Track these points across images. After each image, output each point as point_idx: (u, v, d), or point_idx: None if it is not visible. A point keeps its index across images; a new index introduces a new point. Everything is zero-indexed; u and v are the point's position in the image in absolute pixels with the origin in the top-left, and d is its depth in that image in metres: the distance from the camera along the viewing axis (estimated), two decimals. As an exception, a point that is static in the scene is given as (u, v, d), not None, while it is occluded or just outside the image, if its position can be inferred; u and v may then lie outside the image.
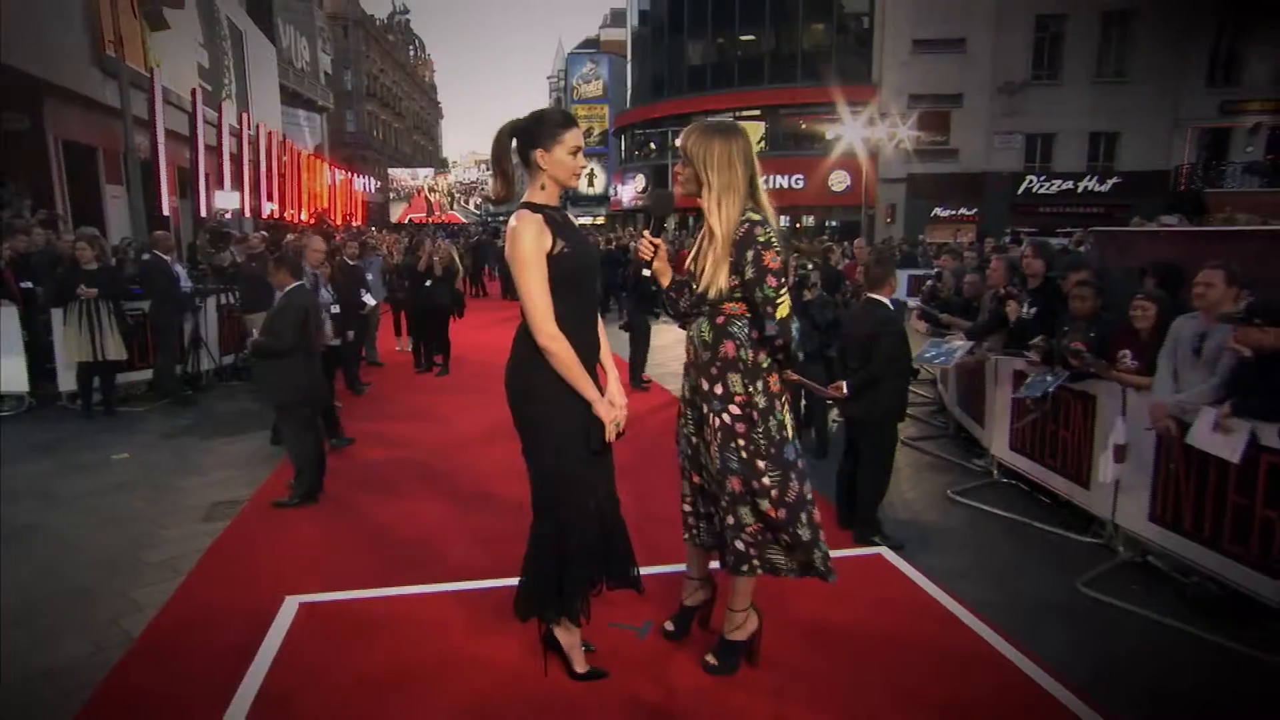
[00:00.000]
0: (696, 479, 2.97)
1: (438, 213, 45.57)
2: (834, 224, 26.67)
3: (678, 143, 2.75)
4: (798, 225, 27.86)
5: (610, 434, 2.57)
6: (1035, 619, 3.60)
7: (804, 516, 2.76)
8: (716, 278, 2.64)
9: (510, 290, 17.07)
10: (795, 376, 3.92)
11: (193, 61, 16.67)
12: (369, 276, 9.34)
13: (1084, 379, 4.49)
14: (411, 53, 66.45)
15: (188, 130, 11.92)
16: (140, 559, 4.21)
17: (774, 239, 2.63)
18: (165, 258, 7.65)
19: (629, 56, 37.30)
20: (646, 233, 2.76)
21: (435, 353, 9.48)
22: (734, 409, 2.72)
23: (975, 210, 25.34)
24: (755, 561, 2.81)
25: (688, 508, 3.04)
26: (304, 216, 19.34)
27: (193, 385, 8.15)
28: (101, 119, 12.22)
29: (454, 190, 48.11)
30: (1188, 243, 6.43)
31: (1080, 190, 24.73)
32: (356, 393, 8.17)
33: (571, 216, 2.71)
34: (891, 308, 4.42)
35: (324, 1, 45.32)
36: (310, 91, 37.59)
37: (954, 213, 25.82)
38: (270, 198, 14.50)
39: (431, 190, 47.21)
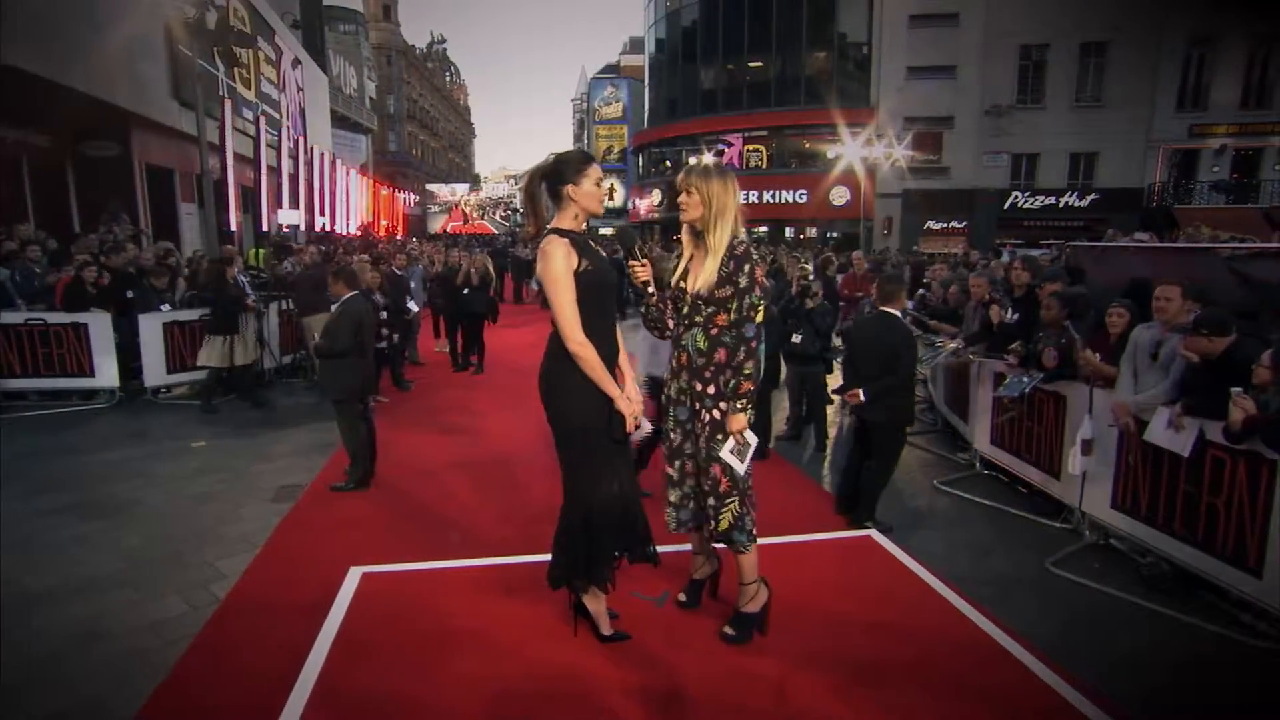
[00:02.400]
0: (674, 467, 3.16)
1: (472, 223, 46.01)
2: (834, 235, 26.68)
3: (679, 179, 2.98)
4: (800, 236, 27.90)
5: (630, 425, 2.79)
6: (1007, 593, 3.75)
7: (749, 495, 3.08)
8: (708, 276, 2.89)
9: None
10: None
11: (254, 89, 17.05)
12: (412, 284, 9.58)
13: (1056, 380, 4.62)
14: (448, 78, 66.98)
15: (251, 153, 12.26)
16: (222, 533, 4.45)
17: (758, 259, 2.96)
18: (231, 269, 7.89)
19: (646, 81, 37.40)
20: (633, 262, 2.95)
21: (471, 353, 9.70)
22: (724, 405, 2.95)
23: (965, 223, 25.31)
24: (745, 536, 3.05)
25: (671, 497, 3.21)
26: (352, 229, 19.68)
27: (258, 382, 8.40)
28: (178, 144, 12.59)
29: (484, 204, 48.53)
30: (1157, 258, 6.52)
31: (1061, 205, 24.62)
32: (402, 389, 8.40)
33: (591, 242, 2.93)
34: (904, 320, 4.54)
35: (370, 34, 45.86)
36: (357, 115, 38.10)
37: (946, 225, 25.78)
38: (322, 213, 14.80)
39: (466, 203, 47.69)
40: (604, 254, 2.94)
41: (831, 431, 6.61)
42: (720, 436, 2.96)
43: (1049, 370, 4.59)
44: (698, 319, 2.97)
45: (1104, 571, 4.00)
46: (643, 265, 2.91)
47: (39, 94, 9.54)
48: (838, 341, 7.25)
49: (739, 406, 2.91)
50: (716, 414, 2.97)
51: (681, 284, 3.02)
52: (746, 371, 2.90)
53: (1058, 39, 23.91)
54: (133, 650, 3.18)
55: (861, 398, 4.38)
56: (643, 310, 3.15)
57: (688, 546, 3.52)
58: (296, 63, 21.85)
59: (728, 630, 3.17)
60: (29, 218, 10.60)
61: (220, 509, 4.85)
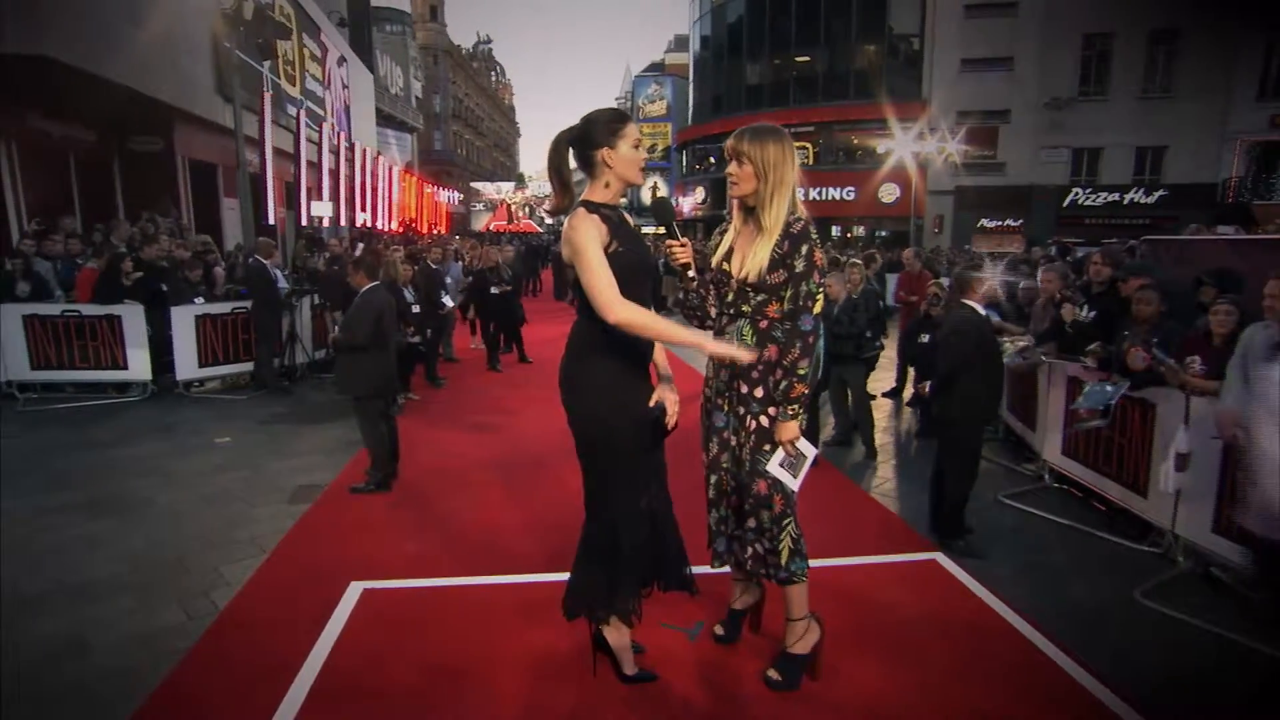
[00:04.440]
0: (711, 484, 2.75)
1: (517, 222, 46.14)
2: (883, 234, 25.89)
3: (728, 145, 2.53)
4: (848, 235, 27.16)
5: (672, 419, 2.39)
6: (1091, 627, 3.26)
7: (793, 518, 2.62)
8: (759, 261, 2.46)
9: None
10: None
11: (299, 86, 17.17)
12: (449, 280, 9.37)
13: (1144, 386, 4.08)
14: (493, 78, 67.48)
15: (292, 148, 12.25)
16: (232, 536, 4.21)
17: (818, 240, 2.52)
18: (265, 262, 7.78)
19: (690, 77, 36.96)
20: (671, 242, 2.50)
21: (500, 351, 9.45)
22: (773, 411, 2.53)
23: (1021, 221, 24.26)
24: (799, 568, 2.60)
25: (710, 520, 2.81)
26: (393, 226, 19.71)
27: (289, 377, 8.28)
28: (220, 139, 12.65)
29: (530, 202, 48.62)
30: (1248, 251, 5.88)
31: (1126, 202, 23.39)
32: (435, 386, 8.17)
33: (630, 218, 2.49)
34: (981, 312, 4.02)
35: (417, 34, 46.36)
36: (403, 114, 38.48)
37: (1000, 224, 24.77)
38: (363, 208, 14.77)
39: (512, 201, 47.85)
40: (639, 232, 2.51)
41: (881, 437, 6.14)
42: (768, 447, 2.53)
43: (1137, 374, 4.05)
44: (744, 308, 2.54)
45: (1205, 606, 3.47)
46: (682, 245, 2.45)
47: (86, 90, 9.60)
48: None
49: (790, 413, 2.47)
50: (764, 420, 2.54)
51: (725, 266, 2.58)
52: (801, 372, 2.45)
53: (1124, 27, 22.70)
54: (116, 669, 2.91)
55: (928, 390, 4.15)
56: (680, 296, 2.70)
57: (727, 568, 3.10)
58: (342, 60, 22.00)
59: (773, 675, 2.71)
60: (75, 212, 10.72)
61: (234, 510, 4.62)
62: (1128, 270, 4.82)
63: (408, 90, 40.24)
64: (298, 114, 12.58)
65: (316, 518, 4.47)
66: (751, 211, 2.54)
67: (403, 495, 4.85)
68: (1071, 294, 5.08)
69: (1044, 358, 5.09)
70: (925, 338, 6.25)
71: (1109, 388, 4.14)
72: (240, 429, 6.53)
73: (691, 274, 2.55)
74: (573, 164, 2.41)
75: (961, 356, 3.92)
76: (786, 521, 2.56)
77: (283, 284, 8.31)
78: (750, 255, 2.49)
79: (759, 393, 2.55)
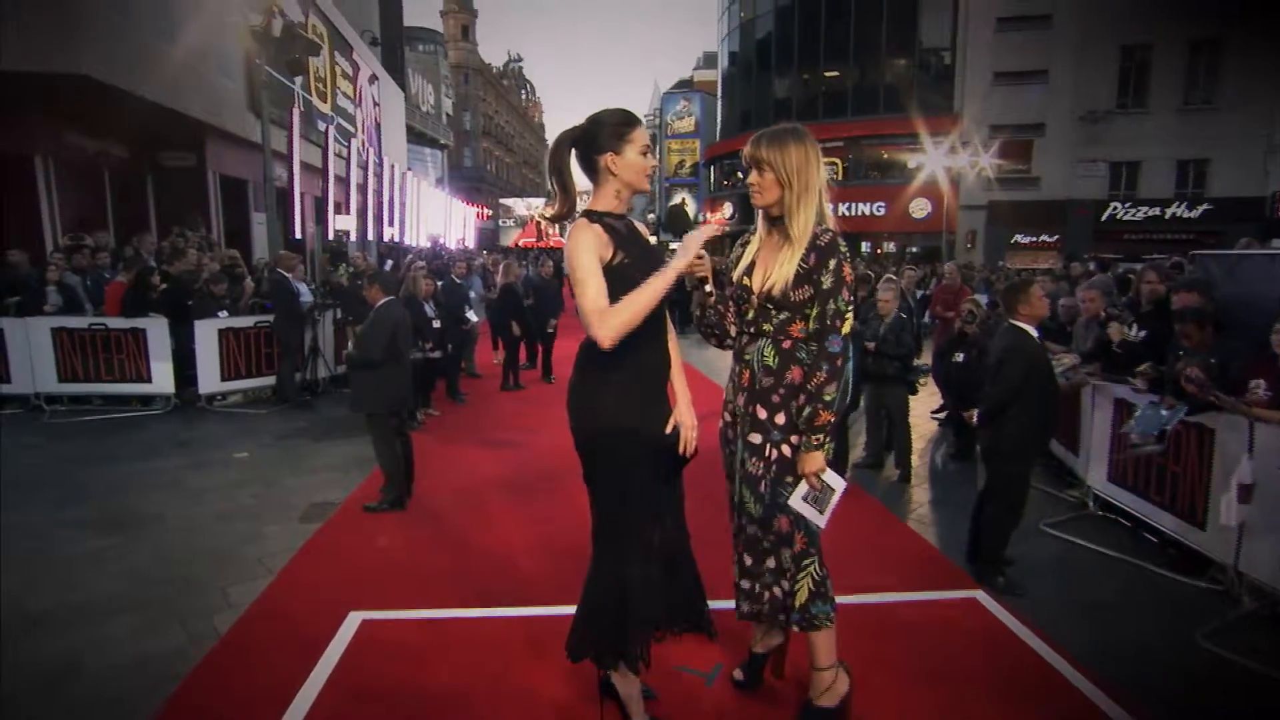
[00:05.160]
0: (730, 519, 2.52)
1: (547, 239, 46.39)
2: (914, 250, 25.48)
3: (745, 152, 2.33)
4: (878, 251, 26.79)
5: (689, 444, 2.19)
6: (1146, 674, 2.99)
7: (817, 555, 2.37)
8: (785, 275, 2.25)
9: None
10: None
11: (330, 103, 17.41)
12: (472, 294, 9.32)
13: (1202, 410, 3.80)
14: (523, 96, 68.32)
15: (320, 163, 12.37)
16: (241, 555, 4.11)
17: (847, 253, 2.28)
18: (287, 275, 7.77)
19: (719, 93, 36.98)
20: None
21: (519, 369, 9.22)
22: (796, 439, 2.30)
23: (1057, 237, 23.66)
24: (821, 612, 2.36)
25: (735, 526, 2.56)
26: (421, 241, 19.82)
27: (310, 391, 8.24)
28: (251, 155, 12.80)
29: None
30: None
31: (1168, 217, 22.68)
32: (456, 402, 8.08)
33: (643, 227, 2.32)
34: (1032, 334, 3.70)
35: (449, 53, 47.15)
36: (434, 131, 39.05)
37: (1035, 239, 24.20)
38: (390, 223, 14.84)
39: (541, 217, 48.21)
40: (650, 243, 2.33)
41: (917, 461, 5.88)
42: (790, 479, 2.30)
43: (1194, 398, 3.77)
44: (766, 327, 2.33)
45: (1274, 651, 3.17)
46: (699, 258, 2.24)
47: (120, 107, 9.76)
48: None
49: (815, 442, 2.24)
50: (786, 450, 2.31)
51: (745, 280, 2.38)
52: (827, 398, 2.22)
53: (1163, 38, 22.13)
54: (109, 696, 2.80)
55: (975, 418, 3.86)
56: (697, 312, 2.49)
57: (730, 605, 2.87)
58: (373, 78, 22.31)
59: None
60: (108, 226, 10.89)
61: (244, 527, 4.53)
62: (1179, 285, 4.54)
63: (439, 108, 40.86)
64: (325, 130, 12.69)
65: (326, 537, 4.35)
66: (776, 222, 2.34)
67: (416, 514, 4.72)
68: (1119, 312, 4.80)
69: (1089, 378, 4.82)
70: (960, 357, 5.99)
71: (1164, 412, 3.85)
72: (259, 444, 6.48)
73: (709, 289, 2.35)
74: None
75: (1010, 385, 3.64)
76: (808, 562, 2.33)
77: (307, 297, 8.31)
78: (775, 268, 2.28)
79: (780, 419, 2.31)
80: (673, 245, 2.19)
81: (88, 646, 3.14)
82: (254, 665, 2.97)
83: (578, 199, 2.24)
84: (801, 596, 2.32)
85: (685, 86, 50.32)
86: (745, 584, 2.48)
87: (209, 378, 7.75)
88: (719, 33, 34.25)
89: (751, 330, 2.38)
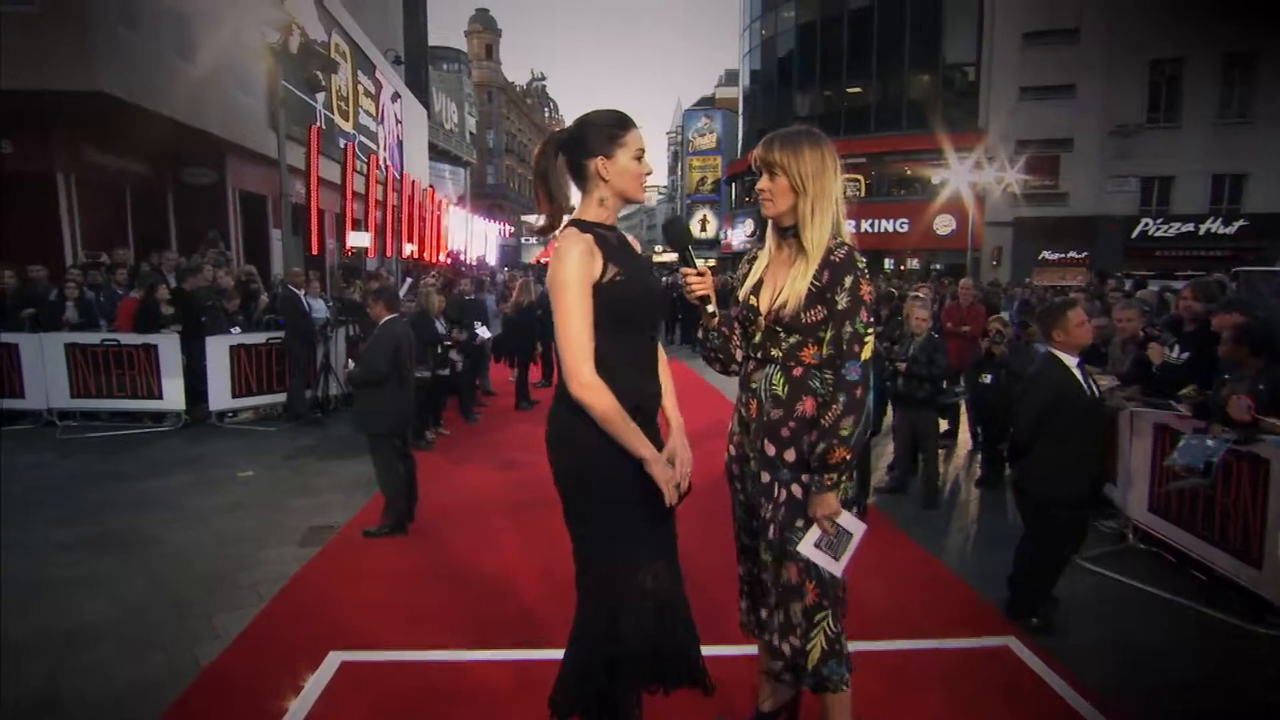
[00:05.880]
0: (740, 564, 2.30)
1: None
2: (938, 267, 25.10)
3: (756, 154, 2.11)
4: (901, 268, 26.47)
5: (670, 497, 1.90)
6: (1200, 730, 2.73)
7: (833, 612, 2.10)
8: (797, 292, 2.02)
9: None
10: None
11: (351, 120, 17.59)
12: (489, 310, 9.22)
13: (1253, 439, 3.53)
14: (546, 113, 68.97)
15: (339, 180, 12.45)
16: (235, 581, 3.98)
17: (865, 270, 2.04)
18: (297, 291, 7.72)
19: (740, 111, 37.03)
20: (686, 270, 2.07)
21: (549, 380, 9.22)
22: (806, 479, 2.05)
23: (1086, 253, 23.17)
24: (843, 669, 2.10)
25: (742, 604, 2.35)
26: (441, 258, 19.89)
27: (321, 409, 8.16)
28: (270, 171, 12.92)
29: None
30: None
31: (1203, 233, 22.11)
32: (469, 421, 7.95)
33: (633, 240, 2.11)
34: (1066, 362, 3.35)
35: (472, 72, 47.79)
36: (457, 149, 39.47)
37: (1063, 256, 23.73)
38: (410, 240, 14.89)
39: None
40: (646, 259, 2.14)
41: (949, 486, 5.63)
42: (800, 523, 2.05)
43: (1244, 425, 3.50)
44: (774, 352, 2.09)
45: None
46: (700, 274, 2.05)
47: (141, 124, 9.88)
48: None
49: (828, 483, 1.99)
50: (797, 490, 2.06)
51: (752, 299, 2.15)
52: (844, 433, 1.95)
53: (1196, 52, 21.70)
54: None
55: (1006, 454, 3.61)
56: (700, 336, 2.26)
57: (742, 649, 2.64)
58: (396, 96, 22.59)
59: None
60: (129, 243, 10.99)
61: (241, 551, 4.40)
62: (1224, 306, 4.27)
63: (462, 126, 41.33)
64: (345, 147, 12.77)
65: (322, 564, 4.20)
66: (787, 234, 2.12)
67: (415, 540, 4.57)
68: (1159, 333, 4.54)
69: (1126, 402, 4.55)
70: (987, 378, 5.75)
71: (1210, 442, 3.58)
72: (265, 463, 6.38)
73: (711, 309, 2.12)
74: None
75: (1030, 417, 3.37)
76: (821, 616, 2.07)
77: (321, 313, 8.26)
78: (786, 285, 2.05)
79: (790, 456, 2.06)
80: (664, 257, 1.99)
81: (67, 676, 3.02)
82: (228, 707, 2.81)
83: (566, 209, 2.05)
84: (814, 657, 2.07)
85: (707, 104, 50.52)
86: (755, 629, 2.28)
87: (220, 394, 7.71)
88: (740, 49, 34.35)
89: (759, 355, 2.14)
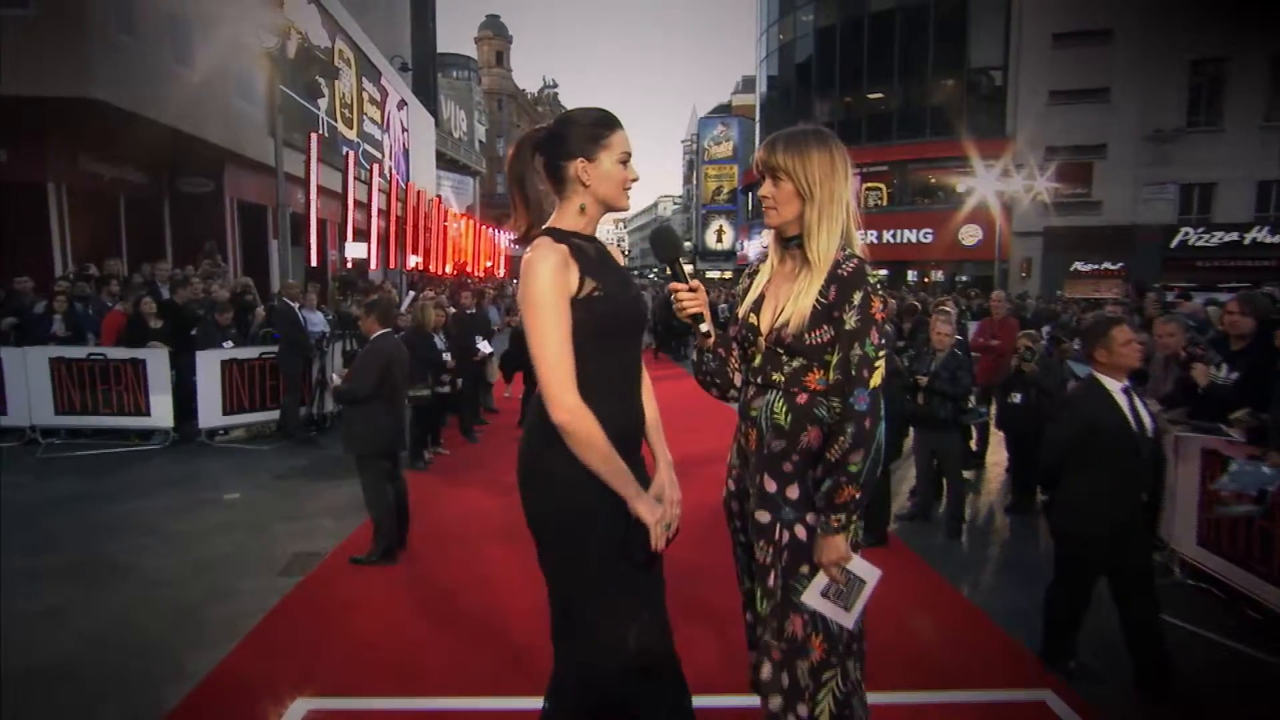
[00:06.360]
0: (744, 610, 2.12)
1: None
2: (963, 279, 24.82)
3: (758, 157, 1.96)
4: (925, 280, 26.19)
5: (658, 541, 1.74)
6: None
7: (849, 665, 1.91)
8: (801, 310, 1.85)
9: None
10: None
11: (355, 128, 17.69)
12: (492, 324, 9.12)
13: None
14: (558, 122, 69.32)
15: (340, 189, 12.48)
16: (208, 615, 3.86)
17: (877, 287, 1.85)
18: (292, 304, 7.66)
19: (757, 118, 37.01)
20: (676, 285, 1.91)
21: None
22: (812, 519, 1.88)
23: (1120, 264, 22.79)
24: None
25: (750, 618, 2.15)
26: (447, 269, 19.93)
27: (316, 426, 8.08)
28: (269, 181, 12.99)
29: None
30: None
31: (1248, 242, 21.67)
32: (468, 440, 7.83)
33: (615, 251, 1.95)
34: (1106, 386, 3.05)
35: (482, 79, 48.18)
36: (466, 158, 39.71)
37: (1096, 267, 23.35)
38: (415, 251, 14.91)
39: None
40: (627, 271, 1.99)
41: (976, 513, 5.42)
42: (806, 569, 1.87)
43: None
44: (776, 376, 1.91)
45: None
46: (691, 289, 1.89)
47: (137, 132, 9.92)
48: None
49: (835, 524, 1.81)
50: (801, 532, 1.88)
51: (752, 318, 1.99)
52: (852, 469, 1.78)
53: (1239, 52, 21.33)
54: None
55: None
56: (694, 358, 2.11)
57: (742, 700, 2.45)
58: (402, 104, 22.74)
59: None
60: (122, 254, 11.02)
61: (219, 580, 4.28)
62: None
63: (471, 134, 41.59)
64: (347, 155, 12.80)
65: (305, 594, 4.07)
66: (791, 244, 1.96)
67: (404, 569, 4.43)
68: (1202, 352, 4.34)
69: (1171, 425, 4.34)
70: (1017, 397, 5.56)
71: (1266, 469, 3.37)
72: (253, 484, 6.29)
73: (705, 328, 1.95)
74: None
75: (1057, 443, 3.16)
76: (828, 676, 1.88)
77: (318, 327, 8.20)
78: (789, 301, 1.89)
79: (793, 493, 1.88)
80: (645, 276, 1.83)
81: (17, 723, 2.89)
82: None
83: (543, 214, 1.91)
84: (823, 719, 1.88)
85: (723, 111, 50.61)
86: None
87: (210, 411, 7.64)
88: (757, 55, 34.37)
89: (759, 380, 1.96)
